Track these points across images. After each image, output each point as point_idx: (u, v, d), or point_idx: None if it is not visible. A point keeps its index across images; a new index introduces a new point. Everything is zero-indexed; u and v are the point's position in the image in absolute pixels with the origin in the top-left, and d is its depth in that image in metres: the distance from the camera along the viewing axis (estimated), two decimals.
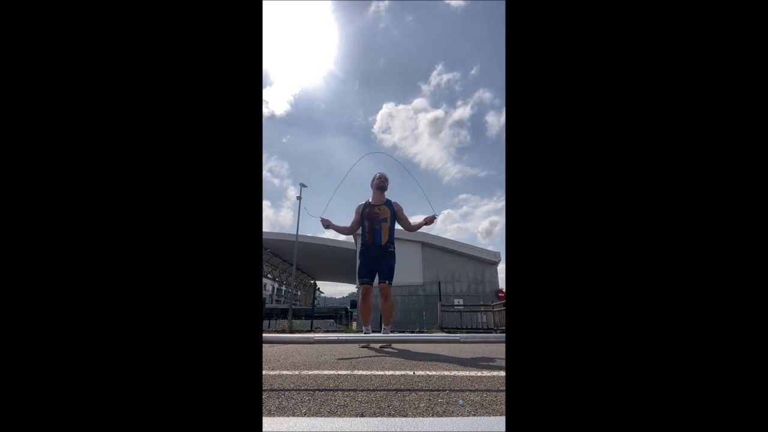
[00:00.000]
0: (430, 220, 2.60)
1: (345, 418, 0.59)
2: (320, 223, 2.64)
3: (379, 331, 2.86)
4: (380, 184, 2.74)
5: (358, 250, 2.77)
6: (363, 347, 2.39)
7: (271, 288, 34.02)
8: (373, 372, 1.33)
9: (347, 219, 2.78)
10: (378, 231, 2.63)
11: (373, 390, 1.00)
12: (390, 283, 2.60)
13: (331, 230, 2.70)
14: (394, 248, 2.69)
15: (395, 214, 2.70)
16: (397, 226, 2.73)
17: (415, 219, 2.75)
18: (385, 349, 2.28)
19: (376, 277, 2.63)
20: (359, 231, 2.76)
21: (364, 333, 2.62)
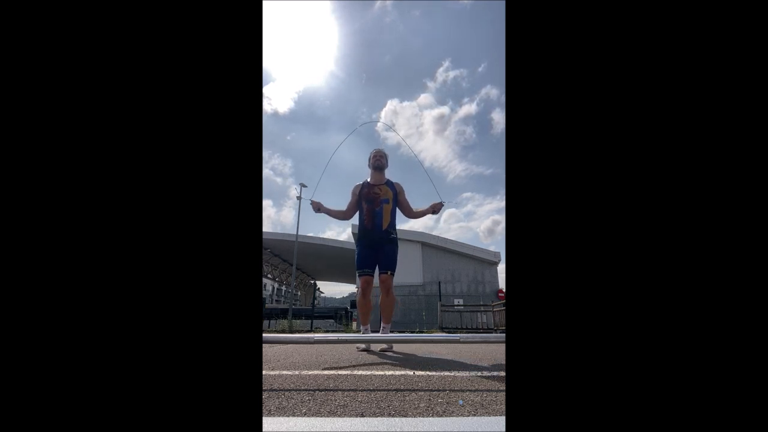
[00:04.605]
0: (437, 208, 2.25)
1: (345, 418, 0.59)
2: (311, 206, 2.32)
3: (378, 331, 2.57)
4: (377, 163, 2.36)
5: (356, 237, 2.41)
6: (362, 350, 2.15)
7: (271, 288, 34.01)
8: (373, 372, 1.33)
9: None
10: (378, 214, 2.26)
11: (373, 390, 1.00)
12: (392, 274, 2.26)
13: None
14: (396, 234, 2.33)
15: (397, 195, 2.34)
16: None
17: (419, 207, 2.39)
18: (386, 353, 2.04)
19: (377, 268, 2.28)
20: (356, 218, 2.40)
21: (362, 333, 2.28)
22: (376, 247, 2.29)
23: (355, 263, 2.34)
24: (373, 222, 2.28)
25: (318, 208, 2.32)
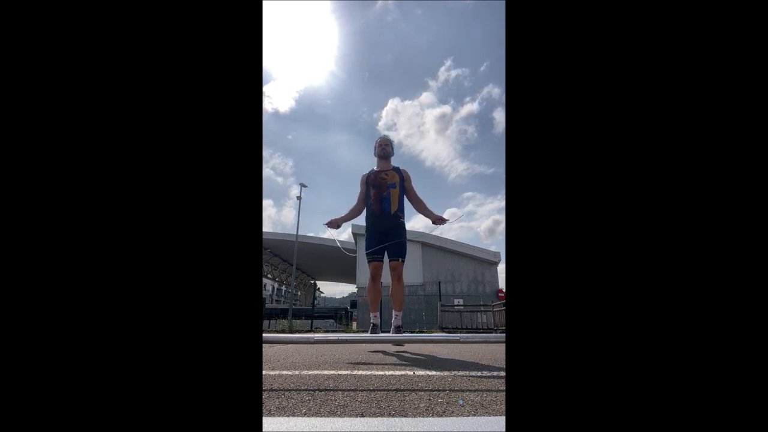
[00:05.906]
0: (439, 222, 2.32)
1: (345, 418, 0.59)
2: (330, 228, 2.38)
3: (389, 321, 2.55)
4: (382, 152, 2.42)
5: (366, 224, 2.43)
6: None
7: (271, 288, 34.03)
8: (373, 372, 1.33)
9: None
10: (386, 198, 2.29)
11: (373, 390, 1.00)
12: (402, 261, 2.27)
13: (339, 227, 2.38)
14: (404, 219, 2.35)
15: (404, 182, 2.37)
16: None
17: (428, 208, 2.41)
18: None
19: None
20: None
21: (372, 321, 2.31)
22: (386, 231, 2.29)
23: (365, 250, 2.35)
24: (381, 206, 2.30)
25: (337, 224, 2.37)
